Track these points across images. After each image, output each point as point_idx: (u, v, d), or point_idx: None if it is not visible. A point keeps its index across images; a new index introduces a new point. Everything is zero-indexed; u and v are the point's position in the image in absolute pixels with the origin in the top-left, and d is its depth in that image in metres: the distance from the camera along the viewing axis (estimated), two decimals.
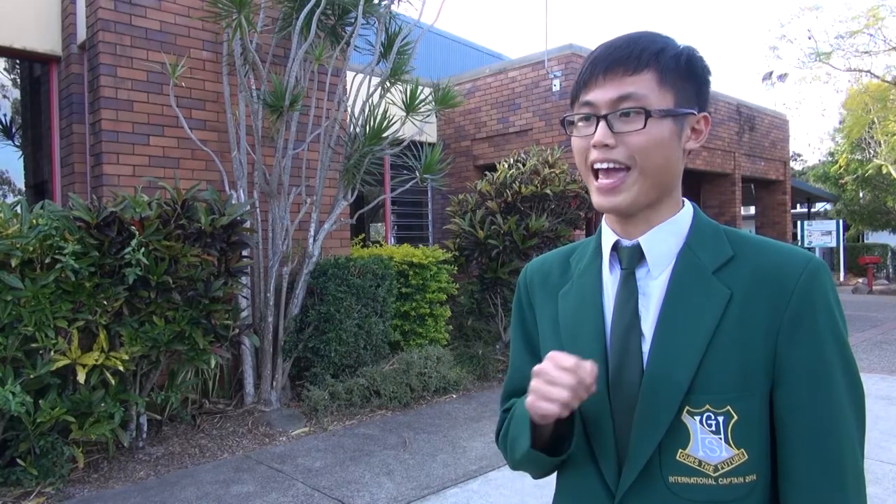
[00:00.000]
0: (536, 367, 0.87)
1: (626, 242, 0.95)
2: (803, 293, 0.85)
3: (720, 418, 0.85)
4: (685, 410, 0.86)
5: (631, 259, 0.94)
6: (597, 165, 0.90)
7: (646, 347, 0.90)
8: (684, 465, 0.86)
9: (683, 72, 0.90)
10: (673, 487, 0.87)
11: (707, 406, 0.85)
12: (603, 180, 0.90)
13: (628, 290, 0.93)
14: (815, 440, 0.85)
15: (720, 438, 0.85)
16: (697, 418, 0.86)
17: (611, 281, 0.97)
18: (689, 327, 0.88)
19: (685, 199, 0.97)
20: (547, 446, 0.95)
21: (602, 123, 0.88)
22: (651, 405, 0.87)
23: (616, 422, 0.91)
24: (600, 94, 0.89)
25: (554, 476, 1.04)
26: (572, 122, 0.94)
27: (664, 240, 0.93)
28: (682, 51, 0.91)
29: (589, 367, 0.83)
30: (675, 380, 0.86)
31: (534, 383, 0.86)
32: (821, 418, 0.84)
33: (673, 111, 0.88)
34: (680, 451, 0.87)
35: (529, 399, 0.87)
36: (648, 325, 0.91)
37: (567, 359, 0.84)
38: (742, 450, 0.85)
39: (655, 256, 0.93)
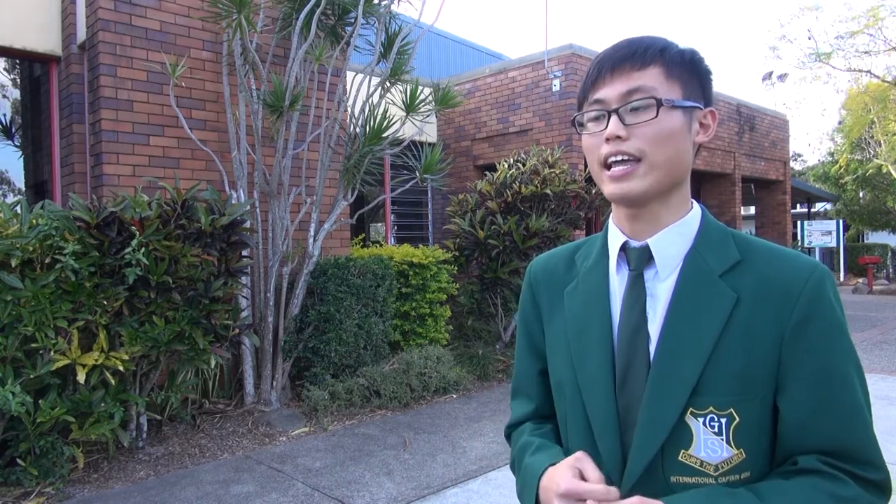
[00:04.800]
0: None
1: (634, 244, 0.95)
2: (809, 299, 0.86)
3: (723, 420, 0.85)
4: (689, 412, 0.86)
5: (639, 261, 0.94)
6: (610, 159, 0.90)
7: (652, 349, 0.90)
8: (686, 466, 0.87)
9: (688, 66, 0.92)
10: (675, 487, 0.87)
11: (711, 408, 0.86)
12: (615, 168, 0.91)
13: (636, 292, 0.94)
14: (833, 439, 0.85)
15: (722, 440, 0.86)
16: (701, 419, 0.86)
17: (618, 281, 0.97)
18: (695, 330, 0.88)
19: (694, 201, 0.98)
20: None
21: (614, 117, 0.89)
22: (656, 406, 0.88)
23: (621, 422, 0.91)
24: (609, 91, 0.91)
25: None
26: (582, 124, 0.95)
27: (673, 242, 0.93)
28: (684, 49, 0.94)
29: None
30: (681, 381, 0.87)
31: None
32: (840, 417, 0.85)
33: (682, 102, 0.90)
34: (682, 451, 0.87)
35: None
36: (655, 326, 0.91)
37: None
38: (741, 450, 0.86)
39: (664, 258, 0.93)
